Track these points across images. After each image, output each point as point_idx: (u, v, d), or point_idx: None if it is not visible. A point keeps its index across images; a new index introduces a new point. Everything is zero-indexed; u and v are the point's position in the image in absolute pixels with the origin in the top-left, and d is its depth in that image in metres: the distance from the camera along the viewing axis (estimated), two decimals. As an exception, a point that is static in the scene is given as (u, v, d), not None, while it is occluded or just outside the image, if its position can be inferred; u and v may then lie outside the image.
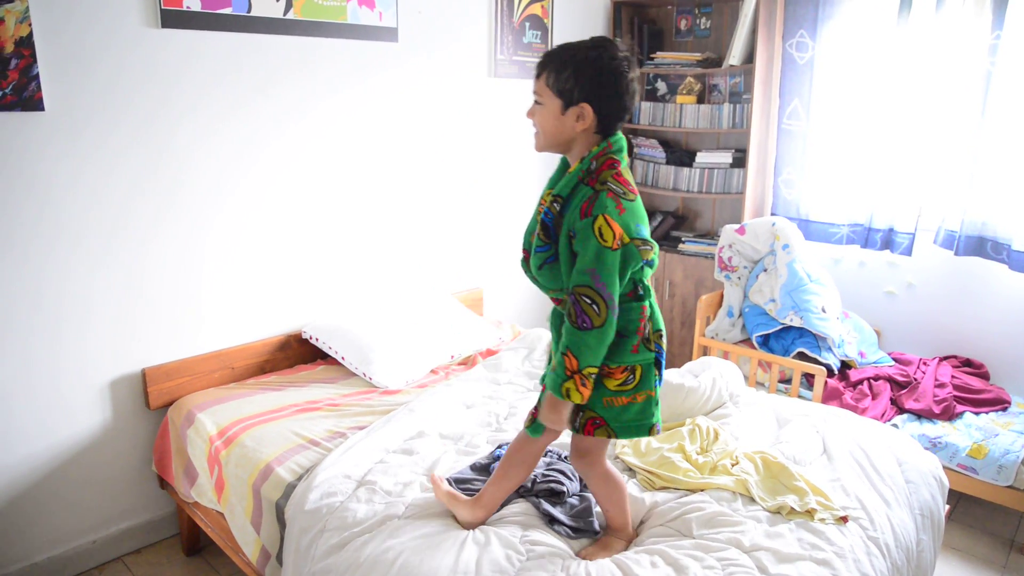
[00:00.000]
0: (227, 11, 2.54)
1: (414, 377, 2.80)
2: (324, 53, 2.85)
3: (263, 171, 2.77)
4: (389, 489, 1.98)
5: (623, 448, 2.20)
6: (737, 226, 3.63)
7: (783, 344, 3.39)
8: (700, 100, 4.03)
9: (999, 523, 2.96)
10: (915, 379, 3.24)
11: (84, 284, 2.40)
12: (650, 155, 4.16)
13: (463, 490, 1.94)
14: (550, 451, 2.15)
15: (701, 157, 3.98)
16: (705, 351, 3.71)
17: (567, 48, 1.62)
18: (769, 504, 1.94)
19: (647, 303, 1.68)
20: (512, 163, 3.76)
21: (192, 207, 2.60)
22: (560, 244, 1.63)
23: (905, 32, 3.35)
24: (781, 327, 3.41)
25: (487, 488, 1.87)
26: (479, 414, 2.50)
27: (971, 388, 3.17)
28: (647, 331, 1.68)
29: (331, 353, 2.84)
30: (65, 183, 2.30)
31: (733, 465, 2.11)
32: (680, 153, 4.14)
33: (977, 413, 3.06)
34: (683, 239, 4.09)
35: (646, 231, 1.63)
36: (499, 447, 2.18)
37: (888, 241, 3.56)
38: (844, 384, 3.26)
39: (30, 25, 2.14)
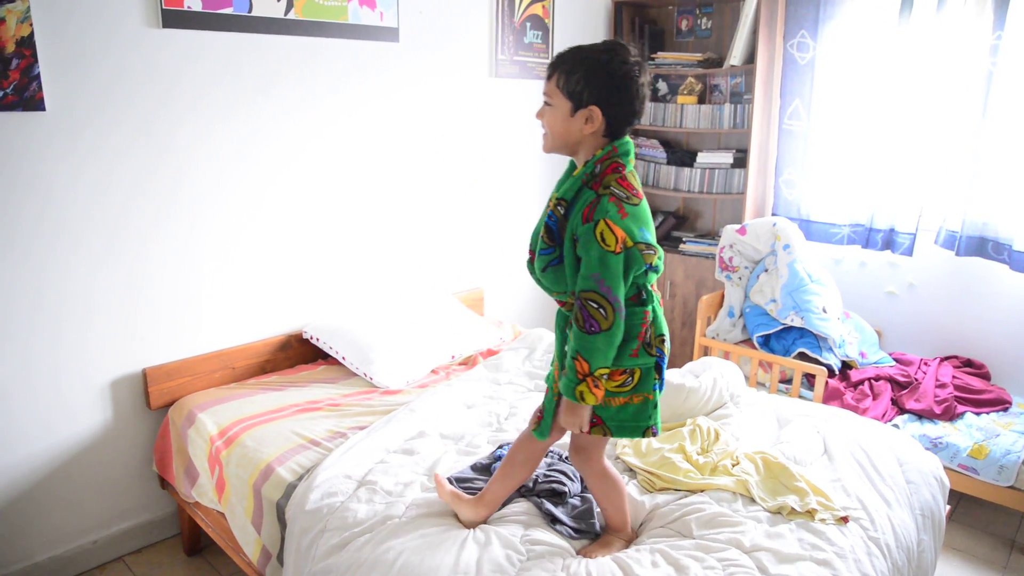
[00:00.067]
0: (228, 11, 2.54)
1: (415, 377, 2.80)
2: (325, 53, 2.85)
3: (264, 171, 2.77)
4: (390, 489, 1.99)
5: (624, 448, 2.20)
6: (738, 226, 3.63)
7: (784, 344, 3.39)
8: (701, 100, 4.03)
9: (1000, 523, 2.96)
10: (916, 379, 3.24)
11: (85, 284, 2.40)
12: (651, 155, 4.16)
13: (464, 490, 1.95)
14: (551, 451, 2.15)
15: (702, 157, 3.98)
16: (706, 351, 3.71)
17: (579, 50, 1.63)
18: (770, 504, 1.94)
19: (650, 308, 1.68)
20: (513, 163, 3.76)
21: (193, 207, 2.60)
22: (564, 247, 1.64)
23: (906, 32, 3.34)
24: (782, 327, 3.41)
25: (489, 487, 1.88)
26: (480, 414, 2.50)
27: (972, 388, 3.17)
28: (648, 336, 1.68)
29: (332, 353, 2.84)
30: (66, 183, 2.31)
31: (734, 465, 2.11)
32: (681, 153, 4.14)
33: (978, 413, 3.06)
34: (684, 239, 4.09)
35: (650, 236, 1.62)
36: (500, 447, 2.18)
37: (889, 241, 3.56)
38: (845, 384, 3.26)
39: (31, 25, 2.14)
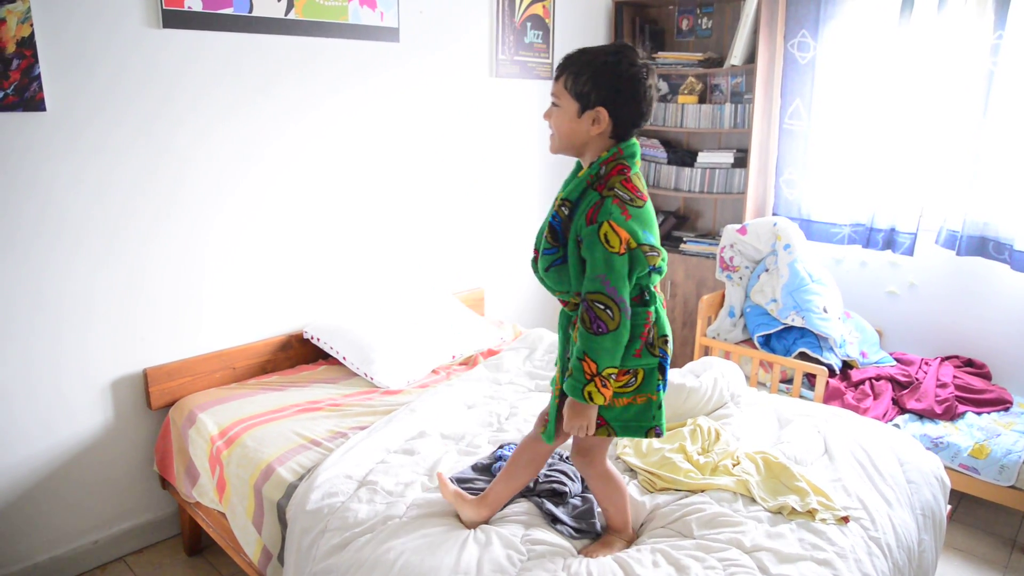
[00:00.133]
0: (228, 11, 2.54)
1: (415, 377, 2.80)
2: (325, 53, 2.85)
3: (264, 171, 2.77)
4: (390, 489, 1.99)
5: (624, 448, 2.20)
6: (739, 226, 3.62)
7: (784, 344, 3.39)
8: (701, 100, 4.03)
9: (1001, 523, 2.96)
10: (917, 379, 3.24)
11: (85, 284, 2.40)
12: (652, 155, 4.16)
13: (465, 490, 1.94)
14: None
15: (702, 157, 3.98)
16: (706, 351, 3.71)
17: (587, 52, 1.63)
18: (770, 504, 1.94)
19: (653, 308, 1.68)
20: (513, 163, 3.76)
21: (193, 207, 2.60)
22: (568, 248, 1.64)
23: (907, 32, 3.34)
24: (782, 327, 3.41)
25: (492, 488, 1.88)
26: (480, 414, 2.50)
27: (973, 388, 3.17)
28: (651, 336, 1.68)
29: (332, 353, 2.84)
30: (66, 183, 2.31)
31: (734, 465, 2.11)
32: (682, 153, 4.14)
33: (979, 413, 3.05)
34: (684, 239, 4.09)
35: (654, 238, 1.63)
36: (501, 447, 2.19)
37: (890, 241, 3.56)
38: (846, 384, 3.26)
39: (31, 25, 2.14)
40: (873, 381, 3.25)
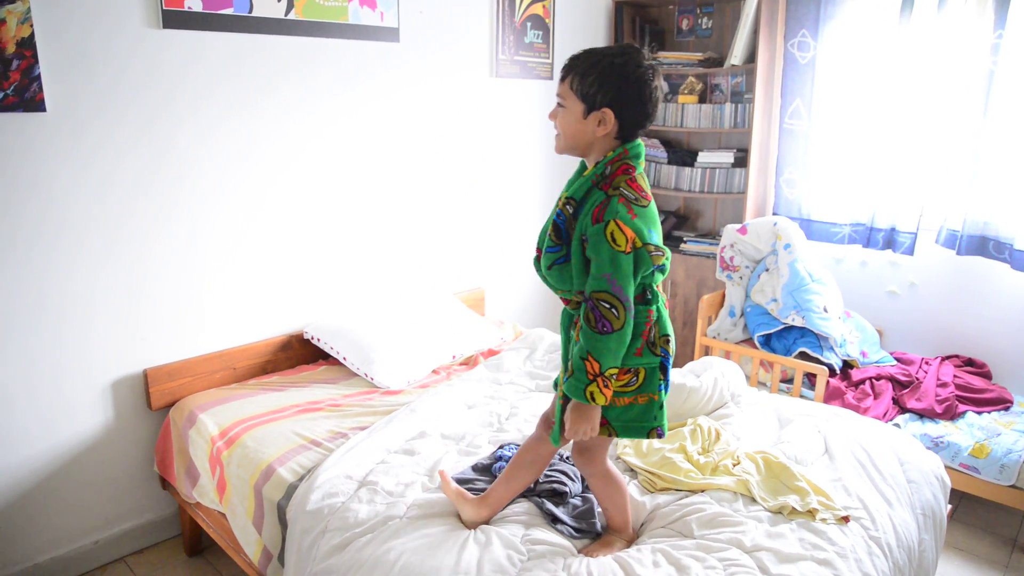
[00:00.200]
0: (228, 12, 2.54)
1: (416, 377, 2.80)
2: (326, 53, 2.85)
3: (265, 171, 2.77)
4: (391, 489, 1.99)
5: (624, 448, 2.20)
6: (739, 226, 3.62)
7: (785, 344, 3.39)
8: (702, 100, 4.03)
9: (1001, 523, 2.96)
10: (917, 379, 3.24)
11: (86, 285, 2.41)
12: (652, 155, 4.15)
13: (465, 490, 1.94)
14: (552, 451, 2.15)
15: (703, 157, 3.98)
16: (707, 351, 3.71)
17: (593, 53, 1.63)
18: (770, 504, 1.94)
19: (655, 308, 1.68)
20: (513, 163, 3.76)
21: (194, 207, 2.60)
22: (572, 247, 1.64)
23: (907, 31, 3.34)
24: (783, 327, 3.41)
25: (494, 488, 1.88)
26: (481, 414, 2.50)
27: (973, 388, 3.17)
28: (652, 335, 1.69)
29: (333, 353, 2.84)
30: (67, 184, 2.31)
31: (735, 465, 2.11)
32: (682, 153, 4.14)
33: (979, 413, 3.05)
34: (685, 239, 4.09)
35: (658, 237, 1.63)
36: (501, 447, 2.19)
37: (890, 240, 3.56)
38: (846, 384, 3.26)
39: (31, 26, 2.14)
40: (873, 381, 3.25)
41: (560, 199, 1.69)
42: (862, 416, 2.54)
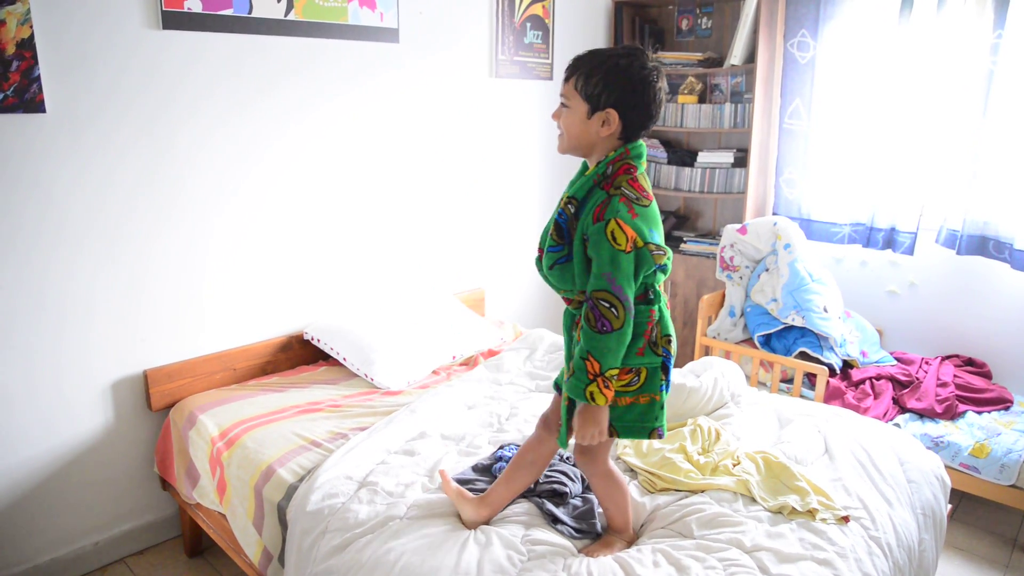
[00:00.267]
0: (228, 12, 2.54)
1: (416, 378, 2.80)
2: (325, 54, 2.85)
3: (265, 172, 2.77)
4: (391, 490, 1.99)
5: (624, 449, 2.20)
6: (739, 226, 3.62)
7: (785, 344, 3.39)
8: (701, 100, 4.03)
9: (1001, 522, 2.96)
10: (917, 378, 3.24)
11: (86, 286, 2.41)
12: (652, 155, 4.15)
13: (465, 490, 1.95)
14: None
15: (702, 157, 3.98)
16: (707, 351, 3.71)
17: (598, 54, 1.64)
18: (770, 504, 1.94)
19: (656, 307, 1.69)
20: (513, 164, 3.76)
21: (194, 208, 2.60)
22: (574, 246, 1.64)
23: (906, 31, 3.34)
24: (783, 327, 3.41)
25: (494, 488, 1.88)
26: (481, 415, 2.50)
27: (973, 387, 3.17)
28: (654, 335, 1.69)
29: (332, 354, 2.84)
30: (67, 185, 2.31)
31: (735, 465, 2.11)
32: (682, 153, 4.14)
33: (979, 412, 3.05)
34: (685, 239, 4.09)
35: (659, 237, 1.63)
36: (501, 448, 2.19)
37: (890, 240, 3.56)
38: (846, 384, 3.26)
39: (31, 27, 2.14)
40: (873, 380, 3.25)
41: (562, 199, 1.69)
42: (862, 416, 2.54)
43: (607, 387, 1.60)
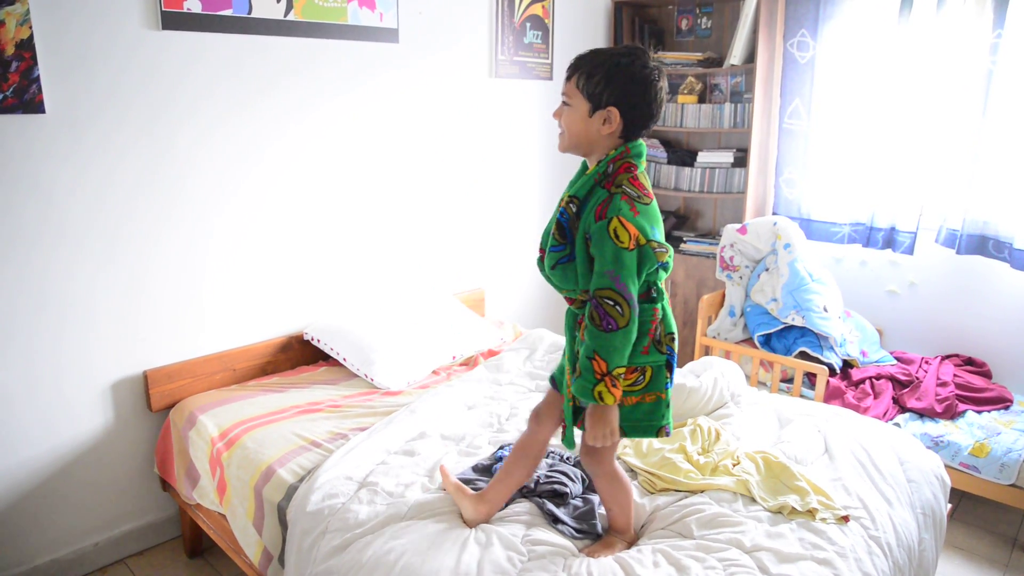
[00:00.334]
0: (228, 13, 2.54)
1: (416, 378, 2.80)
2: (325, 54, 2.85)
3: (265, 172, 2.77)
4: (391, 490, 1.99)
5: (624, 448, 2.20)
6: (738, 226, 3.63)
7: (785, 343, 3.39)
8: (701, 100, 4.03)
9: (1001, 522, 2.96)
10: (917, 378, 3.24)
11: (86, 286, 2.41)
12: (651, 155, 4.15)
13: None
14: (552, 452, 2.15)
15: (702, 157, 3.98)
16: (707, 351, 3.71)
17: (600, 53, 1.65)
18: (770, 504, 1.94)
19: (659, 305, 1.69)
20: (513, 164, 3.76)
21: (194, 208, 2.60)
22: (576, 245, 1.65)
23: (906, 31, 3.34)
24: (783, 326, 3.41)
25: (492, 486, 1.89)
26: (481, 415, 2.50)
27: (973, 387, 3.17)
28: (658, 333, 1.69)
29: (332, 354, 2.84)
30: (67, 185, 2.31)
31: (734, 465, 2.11)
32: (681, 153, 4.14)
33: (979, 412, 3.05)
34: (685, 239, 4.09)
35: (660, 234, 1.64)
36: (501, 448, 2.19)
37: (890, 240, 3.56)
38: (846, 383, 3.26)
39: (31, 27, 2.14)
40: (873, 380, 3.25)
41: (563, 198, 1.70)
42: (862, 416, 2.54)
43: (615, 386, 1.59)
